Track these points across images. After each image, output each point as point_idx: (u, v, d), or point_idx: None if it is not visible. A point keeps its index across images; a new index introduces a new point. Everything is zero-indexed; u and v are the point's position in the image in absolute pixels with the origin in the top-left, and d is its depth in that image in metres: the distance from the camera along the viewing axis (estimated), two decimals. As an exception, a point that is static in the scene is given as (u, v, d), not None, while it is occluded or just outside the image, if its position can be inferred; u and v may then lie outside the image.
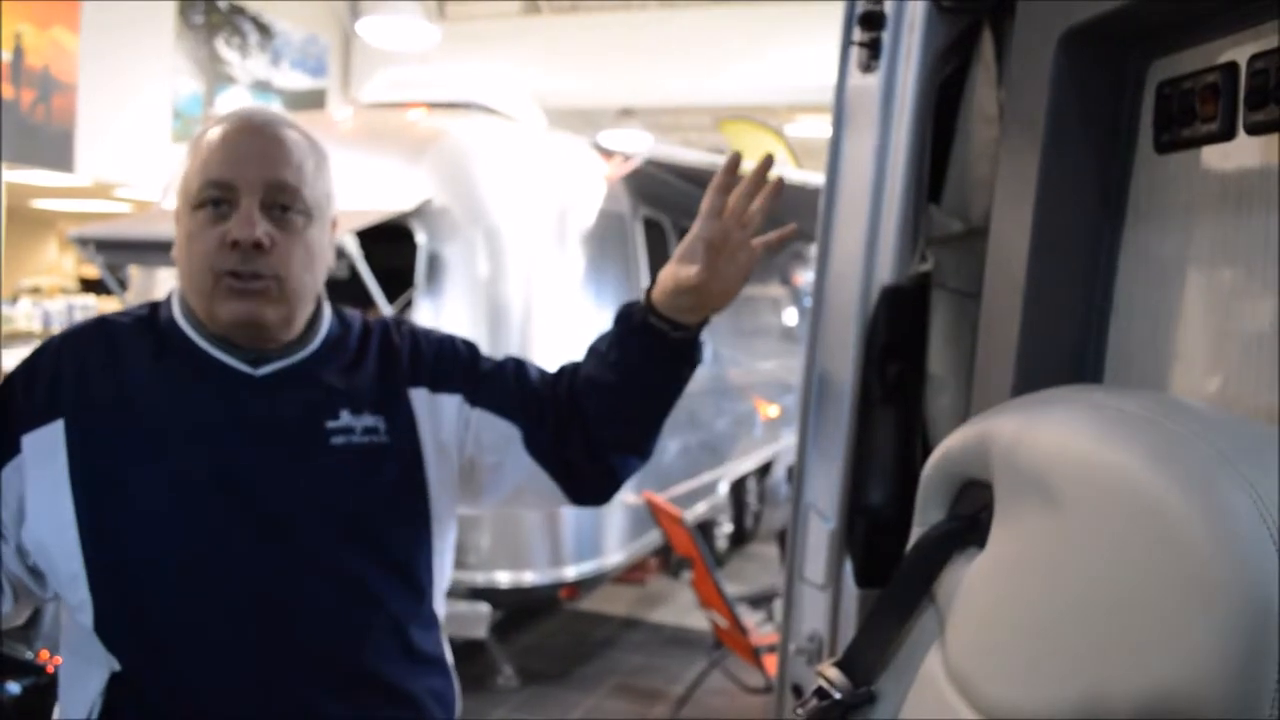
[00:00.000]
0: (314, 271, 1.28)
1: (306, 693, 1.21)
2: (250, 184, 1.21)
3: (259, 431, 1.23)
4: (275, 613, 1.20)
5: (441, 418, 1.35)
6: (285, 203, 1.23)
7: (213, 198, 1.22)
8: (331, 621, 1.22)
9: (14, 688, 2.64)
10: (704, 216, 1.25)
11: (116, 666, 1.19)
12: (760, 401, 8.01)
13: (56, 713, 1.27)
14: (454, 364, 1.40)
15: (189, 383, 1.25)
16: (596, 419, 1.35)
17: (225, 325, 1.23)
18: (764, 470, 8.31)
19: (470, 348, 1.45)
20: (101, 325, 1.31)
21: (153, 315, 1.31)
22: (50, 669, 2.70)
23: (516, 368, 1.43)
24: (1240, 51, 1.07)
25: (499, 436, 1.37)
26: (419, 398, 1.35)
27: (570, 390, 1.37)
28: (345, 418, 1.27)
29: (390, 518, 1.28)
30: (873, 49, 1.51)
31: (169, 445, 1.21)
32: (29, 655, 2.72)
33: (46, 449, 1.19)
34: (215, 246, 1.20)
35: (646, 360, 1.31)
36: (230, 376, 1.25)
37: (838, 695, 1.05)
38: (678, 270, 1.26)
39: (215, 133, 1.25)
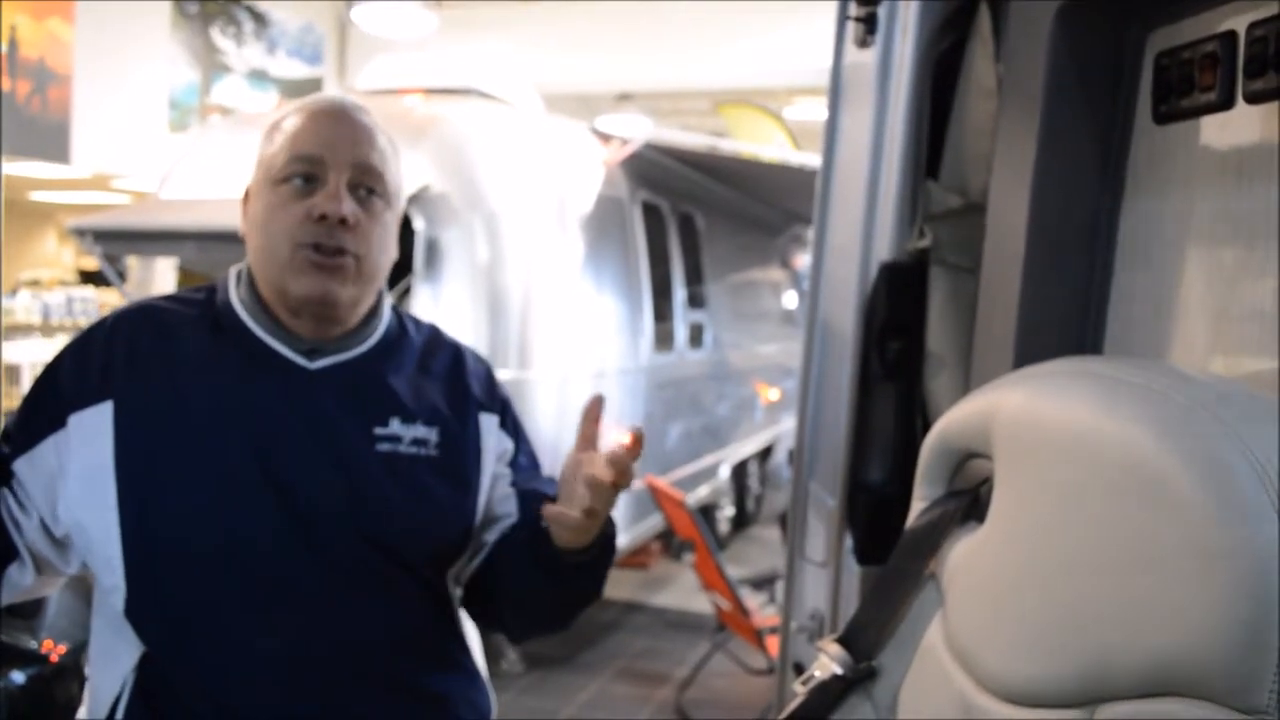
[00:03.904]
0: (387, 256, 1.28)
1: (332, 694, 1.20)
2: (339, 162, 1.22)
3: (307, 430, 1.22)
4: (308, 615, 1.19)
5: (499, 450, 1.36)
6: (370, 185, 1.24)
7: (300, 172, 1.22)
8: (361, 627, 1.21)
9: (19, 677, 2.65)
10: (579, 454, 1.18)
11: (145, 649, 1.19)
12: (761, 385, 8.01)
13: (87, 690, 1.27)
14: (516, 425, 1.41)
15: (241, 372, 1.23)
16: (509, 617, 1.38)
17: (297, 300, 1.22)
18: (765, 453, 8.32)
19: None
20: (155, 308, 1.30)
21: (209, 299, 1.30)
22: (54, 659, 2.71)
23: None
24: (1239, 20, 1.06)
25: (505, 510, 1.36)
26: (489, 424, 1.34)
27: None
28: (395, 425, 1.25)
29: (427, 531, 1.26)
30: (869, 24, 1.50)
31: (215, 436, 1.20)
32: (33, 645, 2.73)
33: (94, 430, 1.19)
34: (299, 220, 1.20)
35: (551, 582, 1.26)
36: (283, 367, 1.24)
37: (839, 670, 1.05)
38: (561, 512, 1.17)
39: (300, 115, 1.26)
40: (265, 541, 1.18)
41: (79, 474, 1.19)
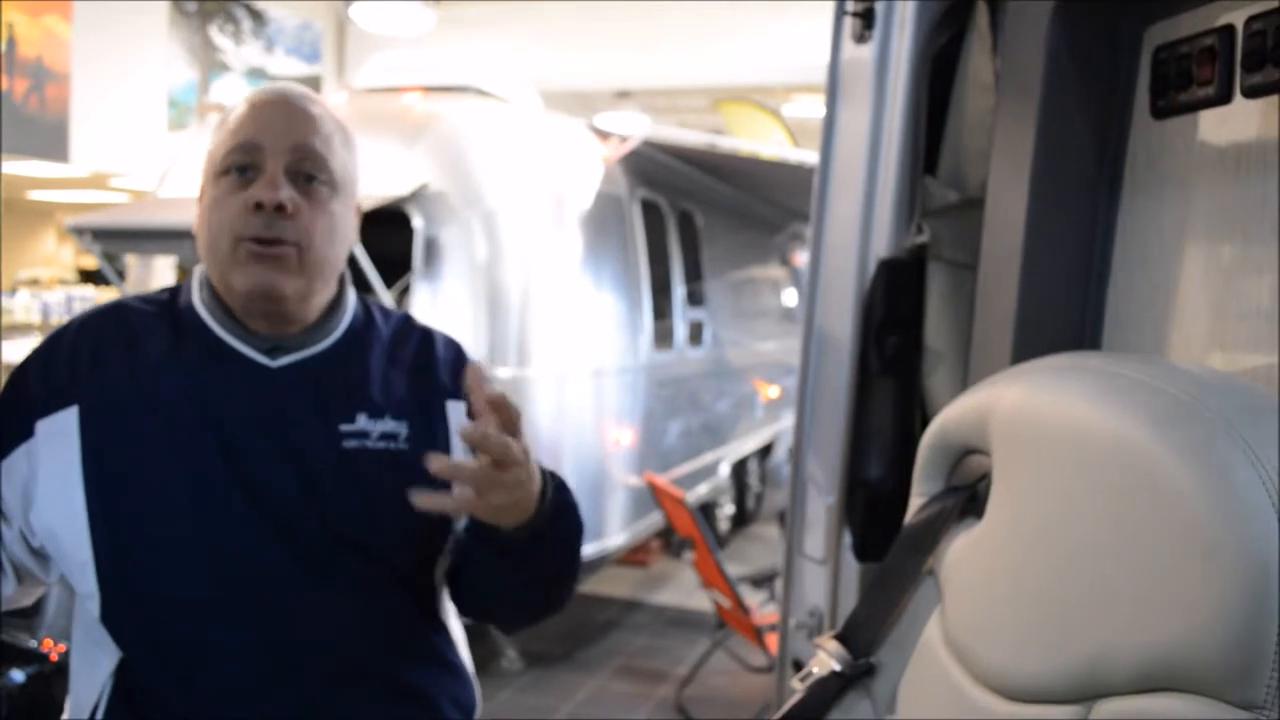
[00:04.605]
0: (336, 247, 1.23)
1: (312, 692, 1.19)
2: (276, 147, 1.18)
3: (270, 430, 1.20)
4: (280, 615, 1.18)
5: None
6: (311, 171, 1.20)
7: (238, 163, 1.18)
8: (336, 627, 1.20)
9: (18, 676, 2.65)
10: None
11: (122, 654, 1.18)
12: (760, 383, 8.01)
13: (68, 698, 1.26)
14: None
15: (204, 372, 1.21)
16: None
17: (241, 295, 1.19)
18: (765, 451, 8.32)
19: None
20: (119, 311, 1.27)
21: (171, 301, 1.28)
22: (54, 657, 2.70)
23: None
24: (1237, 14, 1.06)
25: None
26: (456, 411, 1.29)
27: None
28: (362, 421, 1.22)
29: (400, 528, 1.22)
30: (866, 19, 1.50)
31: (181, 437, 1.18)
32: (33, 644, 2.72)
33: (60, 435, 1.17)
34: (238, 212, 1.17)
35: (499, 558, 1.21)
36: (245, 367, 1.22)
37: (838, 667, 1.05)
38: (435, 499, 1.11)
39: (243, 105, 1.23)
40: (236, 541, 1.17)
41: (47, 480, 1.17)
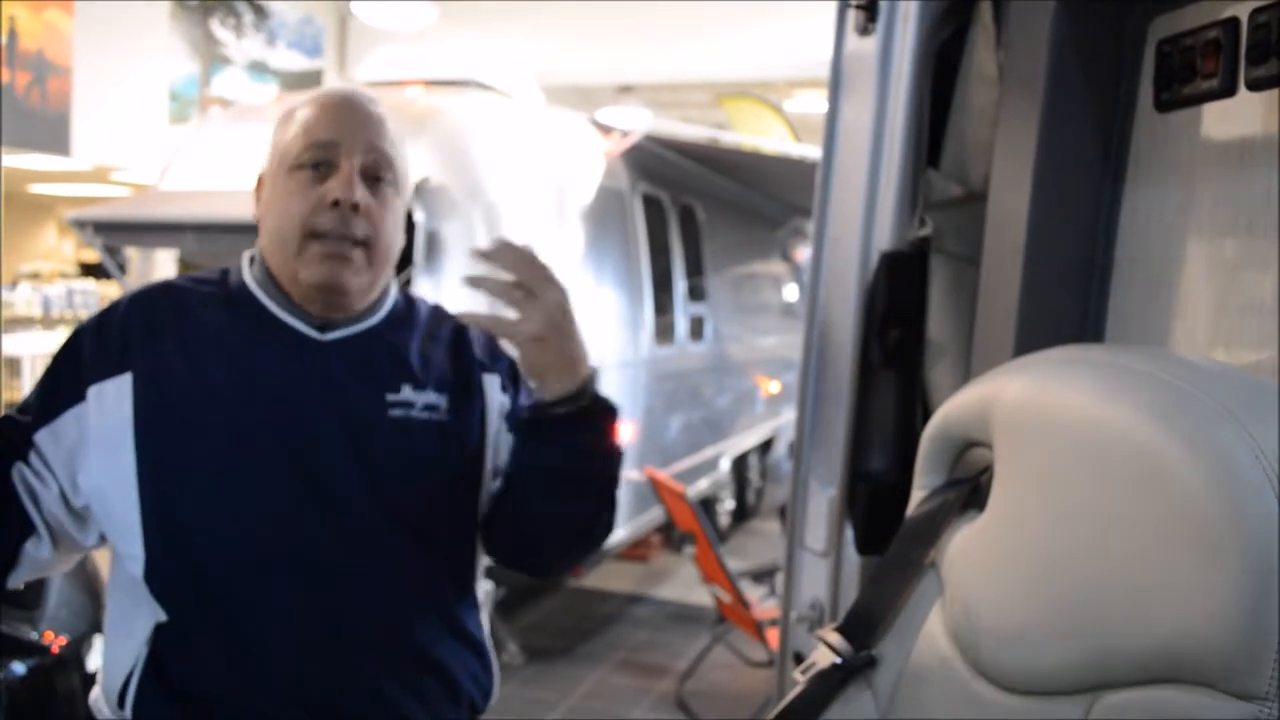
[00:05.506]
0: (397, 243, 1.31)
1: (350, 659, 1.23)
2: (351, 147, 1.25)
3: (319, 398, 1.25)
4: (321, 579, 1.22)
5: (501, 409, 1.37)
6: (380, 172, 1.27)
7: (315, 159, 1.25)
8: (374, 593, 1.25)
9: (19, 668, 2.65)
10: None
11: (163, 616, 1.22)
12: (761, 378, 8.01)
13: (99, 657, 1.28)
14: (516, 380, 1.40)
15: (255, 344, 1.27)
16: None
17: (306, 288, 1.25)
18: (766, 446, 8.32)
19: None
20: (170, 288, 1.33)
21: (223, 279, 1.34)
22: (55, 650, 2.71)
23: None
24: (1241, 7, 1.06)
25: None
26: (492, 384, 1.36)
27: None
28: (407, 392, 1.28)
29: (439, 496, 1.29)
30: (870, 11, 1.50)
31: (231, 406, 1.23)
32: (34, 636, 2.72)
33: (113, 399, 1.22)
34: (313, 206, 1.23)
35: (545, 449, 1.26)
36: (295, 340, 1.27)
37: (839, 659, 1.05)
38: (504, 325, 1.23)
39: (314, 104, 1.29)
40: (281, 507, 1.21)
41: (99, 442, 1.22)
